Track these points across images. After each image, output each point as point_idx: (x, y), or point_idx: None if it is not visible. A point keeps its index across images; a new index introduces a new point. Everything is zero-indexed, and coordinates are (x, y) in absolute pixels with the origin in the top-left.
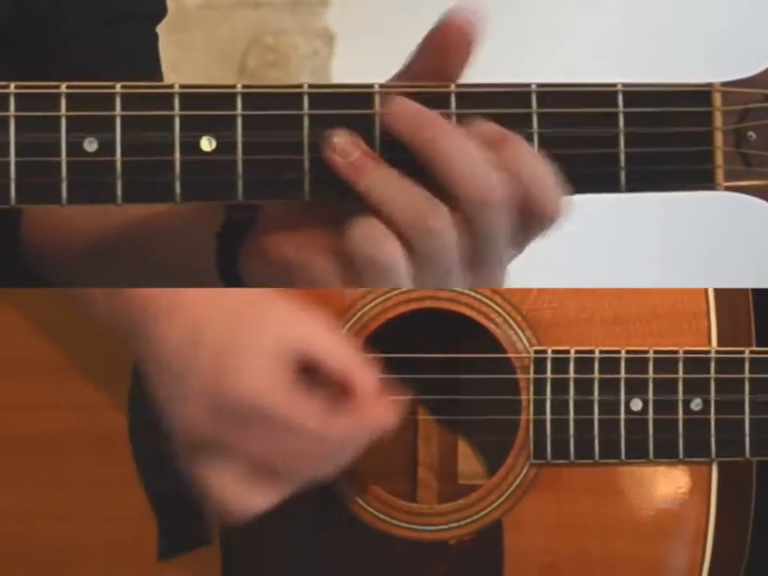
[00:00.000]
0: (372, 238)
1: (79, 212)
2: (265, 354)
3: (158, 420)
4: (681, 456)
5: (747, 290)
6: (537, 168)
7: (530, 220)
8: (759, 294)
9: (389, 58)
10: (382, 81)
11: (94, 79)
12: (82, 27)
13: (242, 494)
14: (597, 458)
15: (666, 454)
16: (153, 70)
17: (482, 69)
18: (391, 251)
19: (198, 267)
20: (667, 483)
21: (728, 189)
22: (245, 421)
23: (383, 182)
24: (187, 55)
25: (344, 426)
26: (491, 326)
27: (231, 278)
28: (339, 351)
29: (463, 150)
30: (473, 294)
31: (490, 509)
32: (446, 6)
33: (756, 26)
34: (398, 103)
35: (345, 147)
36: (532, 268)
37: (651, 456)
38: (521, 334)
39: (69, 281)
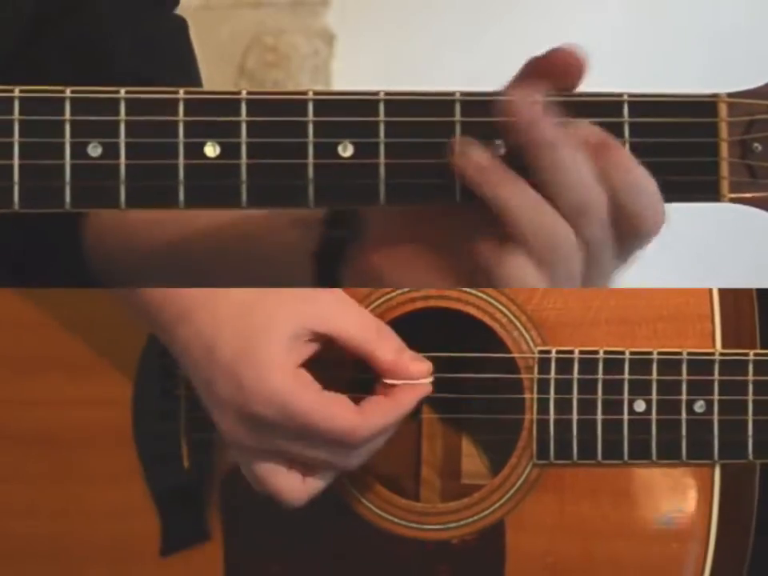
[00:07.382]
0: (512, 264)
1: (162, 219)
2: (282, 342)
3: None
4: (684, 457)
5: (751, 291)
6: (637, 181)
7: (629, 232)
8: (763, 294)
9: (389, 58)
10: (382, 80)
11: (148, 84)
12: (120, 24)
13: (290, 485)
14: (600, 458)
15: (669, 455)
16: (191, 65)
17: (482, 69)
18: (530, 275)
19: (295, 284)
20: (669, 485)
21: (733, 200)
22: (274, 428)
23: (512, 191)
24: None
25: (376, 415)
26: (496, 326)
27: None
28: (355, 325)
29: (570, 158)
30: (478, 293)
31: (492, 509)
32: (446, 6)
33: (761, 36)
34: (518, 100)
35: (475, 152)
36: None
37: (654, 457)
38: (525, 334)
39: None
